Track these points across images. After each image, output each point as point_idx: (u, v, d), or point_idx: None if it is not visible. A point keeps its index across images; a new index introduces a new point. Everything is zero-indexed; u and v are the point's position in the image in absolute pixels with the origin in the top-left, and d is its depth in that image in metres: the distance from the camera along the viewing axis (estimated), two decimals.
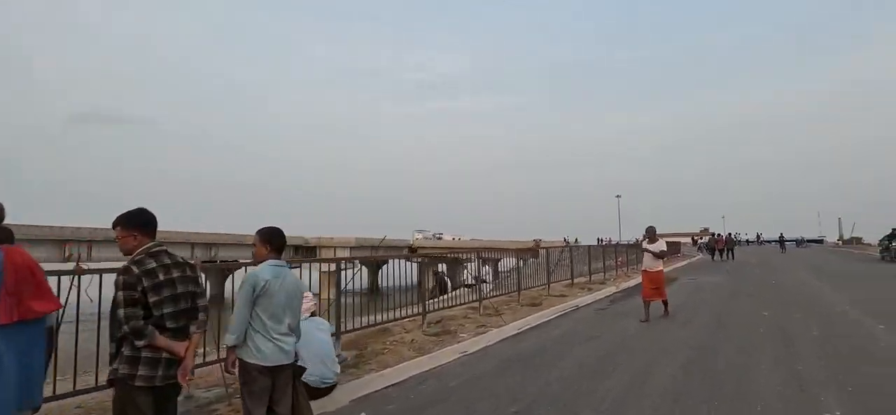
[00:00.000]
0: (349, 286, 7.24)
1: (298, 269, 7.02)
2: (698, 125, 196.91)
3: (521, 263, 13.25)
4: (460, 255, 25.91)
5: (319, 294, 6.21)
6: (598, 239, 50.58)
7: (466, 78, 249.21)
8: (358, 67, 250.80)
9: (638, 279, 11.90)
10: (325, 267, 8.23)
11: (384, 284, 8.01)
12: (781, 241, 38.55)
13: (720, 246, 29.00)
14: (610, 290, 12.66)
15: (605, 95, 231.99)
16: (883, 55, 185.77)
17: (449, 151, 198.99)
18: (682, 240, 42.79)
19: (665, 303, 8.39)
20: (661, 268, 8.47)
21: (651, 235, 8.60)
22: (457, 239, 61.61)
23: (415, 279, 8.45)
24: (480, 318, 8.50)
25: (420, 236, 60.33)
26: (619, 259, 18.42)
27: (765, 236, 63.95)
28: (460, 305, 9.19)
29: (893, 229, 22.20)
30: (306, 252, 41.05)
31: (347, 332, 6.31)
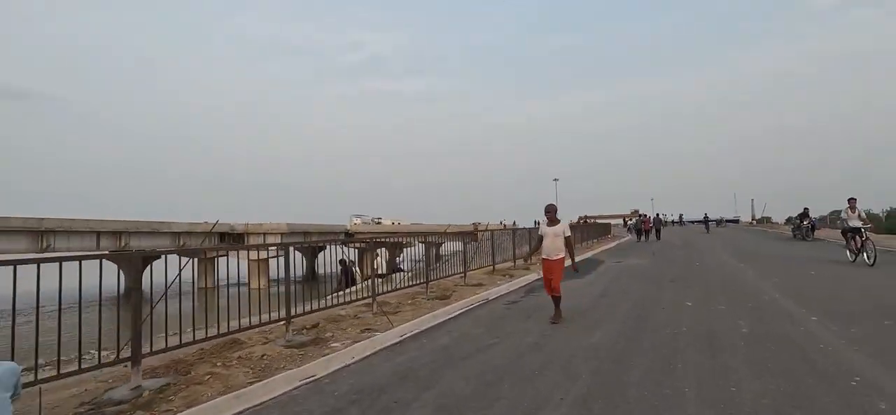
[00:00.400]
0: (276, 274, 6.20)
1: (226, 257, 5.56)
2: (635, 112, 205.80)
3: (463, 247, 12.07)
4: (400, 239, 24.62)
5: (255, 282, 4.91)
6: (535, 222, 50.79)
7: (404, 60, 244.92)
8: (289, 46, 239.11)
9: None
10: (254, 255, 6.69)
11: (324, 271, 6.59)
12: (706, 221, 40.10)
13: (647, 227, 29.18)
14: (531, 277, 11.60)
15: (545, 82, 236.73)
16: (780, 52, 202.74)
17: (389, 135, 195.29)
18: (614, 221, 43.67)
19: (558, 300, 6.66)
20: (560, 256, 6.67)
21: (550, 215, 6.91)
22: (396, 223, 60.01)
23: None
24: (372, 318, 7.00)
25: (358, 221, 58.11)
26: None
27: (687, 217, 67.41)
28: (355, 301, 7.64)
29: (805, 209, 23.06)
30: (234, 240, 38.19)
31: (158, 352, 4.60)
